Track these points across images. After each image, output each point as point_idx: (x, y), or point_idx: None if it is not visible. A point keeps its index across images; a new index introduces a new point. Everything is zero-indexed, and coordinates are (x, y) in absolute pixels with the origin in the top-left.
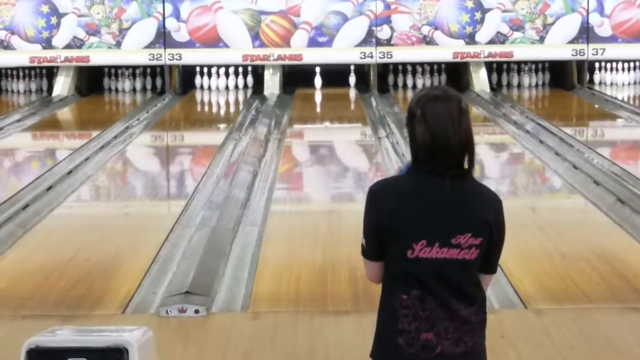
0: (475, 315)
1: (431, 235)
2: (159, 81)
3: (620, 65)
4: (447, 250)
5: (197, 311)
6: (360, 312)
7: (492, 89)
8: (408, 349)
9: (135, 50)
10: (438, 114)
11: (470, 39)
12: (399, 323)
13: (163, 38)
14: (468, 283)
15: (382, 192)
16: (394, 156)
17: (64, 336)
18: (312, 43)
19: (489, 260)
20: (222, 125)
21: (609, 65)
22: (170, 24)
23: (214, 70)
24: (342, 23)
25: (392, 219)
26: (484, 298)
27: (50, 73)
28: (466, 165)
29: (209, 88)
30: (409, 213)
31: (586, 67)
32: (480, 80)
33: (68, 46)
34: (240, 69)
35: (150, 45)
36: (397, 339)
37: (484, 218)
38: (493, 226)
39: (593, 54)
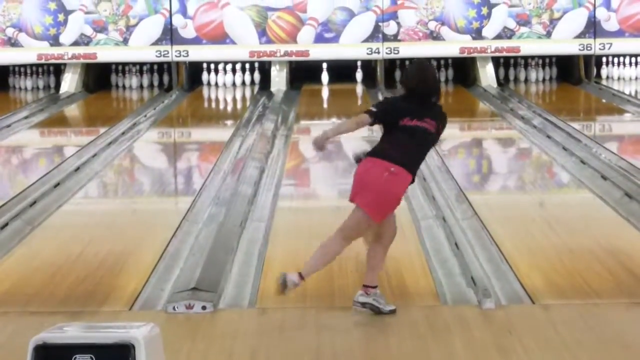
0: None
1: (412, 116)
2: (166, 78)
3: (627, 59)
4: (420, 123)
5: (204, 307)
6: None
7: (499, 84)
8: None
9: (142, 47)
10: (426, 69)
11: (477, 34)
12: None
13: (170, 35)
14: (429, 140)
15: (390, 99)
16: None
17: (71, 332)
18: (319, 39)
19: None
20: (229, 122)
21: (616, 59)
22: (177, 20)
23: (220, 66)
24: (348, 19)
25: (394, 108)
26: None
27: (57, 70)
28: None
29: (216, 84)
30: (402, 106)
31: (593, 62)
32: (487, 75)
33: (75, 43)
34: (247, 65)
35: (157, 42)
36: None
37: (440, 116)
38: (442, 125)
39: (600, 49)
